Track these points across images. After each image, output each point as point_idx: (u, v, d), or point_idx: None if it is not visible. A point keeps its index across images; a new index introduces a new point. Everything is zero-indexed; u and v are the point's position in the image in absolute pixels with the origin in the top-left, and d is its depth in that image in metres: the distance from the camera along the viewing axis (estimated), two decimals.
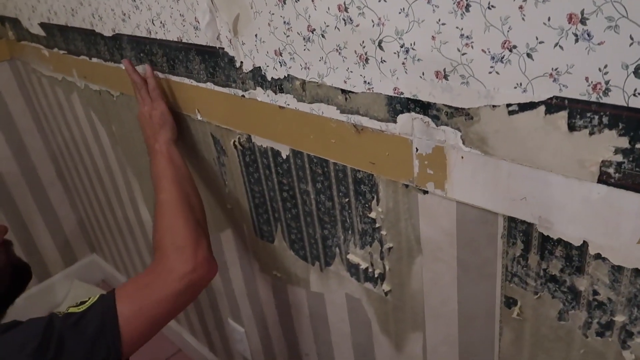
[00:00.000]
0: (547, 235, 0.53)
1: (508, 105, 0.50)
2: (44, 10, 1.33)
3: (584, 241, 0.51)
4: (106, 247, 2.00)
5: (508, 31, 0.47)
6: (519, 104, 0.49)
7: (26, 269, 0.94)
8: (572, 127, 0.46)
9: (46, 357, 0.67)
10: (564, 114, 0.46)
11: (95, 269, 2.17)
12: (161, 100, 0.98)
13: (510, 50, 0.47)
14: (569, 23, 0.43)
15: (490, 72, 0.50)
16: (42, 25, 1.39)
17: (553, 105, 0.47)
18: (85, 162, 1.69)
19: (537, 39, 0.45)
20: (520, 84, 0.48)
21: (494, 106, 0.51)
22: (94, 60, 1.22)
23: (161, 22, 0.91)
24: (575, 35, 0.43)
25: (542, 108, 0.48)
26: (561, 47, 0.44)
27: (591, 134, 0.46)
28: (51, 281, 2.08)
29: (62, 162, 1.93)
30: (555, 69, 0.45)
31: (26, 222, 1.95)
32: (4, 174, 1.84)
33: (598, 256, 0.50)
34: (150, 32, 0.95)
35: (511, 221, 0.56)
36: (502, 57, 0.48)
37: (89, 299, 0.74)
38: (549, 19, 0.44)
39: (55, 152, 1.93)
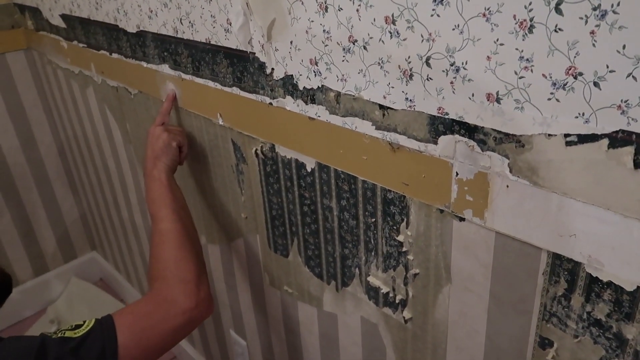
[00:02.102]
0: (596, 277, 0.50)
1: (566, 135, 0.47)
2: (67, 2, 1.30)
3: (638, 286, 0.47)
4: (107, 246, 1.97)
5: (575, 57, 0.44)
6: (578, 135, 0.46)
7: (6, 281, 0.88)
8: (638, 164, 0.43)
9: None
10: (630, 150, 0.43)
11: (94, 266, 2.14)
12: (176, 130, 1.00)
13: (575, 77, 0.44)
14: None
15: (549, 99, 0.47)
16: (63, 16, 1.36)
17: (618, 139, 0.44)
18: (94, 159, 1.66)
19: (607, 67, 0.42)
20: (583, 114, 0.45)
21: (549, 135, 0.48)
22: (115, 55, 1.19)
23: (190, 22, 0.88)
24: None
25: (605, 141, 0.44)
26: (634, 78, 0.41)
27: None
28: (48, 276, 2.04)
29: (70, 157, 1.90)
30: (625, 101, 0.42)
31: (29, 214, 1.92)
32: (10, 165, 1.81)
33: None
34: (177, 31, 0.93)
35: (556, 258, 0.53)
36: (565, 84, 0.45)
37: (84, 323, 0.70)
38: (623, 47, 0.41)
39: (64, 145, 1.90)
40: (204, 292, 0.78)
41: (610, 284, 0.49)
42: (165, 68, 1.01)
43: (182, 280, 0.77)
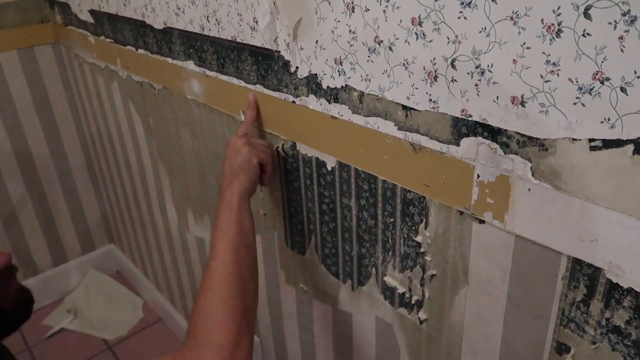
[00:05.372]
0: (616, 283, 0.50)
1: (590, 140, 0.47)
2: None
3: None
4: (125, 239, 2.00)
5: (602, 62, 0.44)
6: (603, 140, 0.46)
7: (27, 295, 0.90)
8: None
9: None
10: None
11: (112, 259, 2.17)
12: (259, 145, 0.86)
13: (602, 83, 0.44)
14: None
15: (575, 103, 0.47)
16: (92, 12, 1.39)
17: None
18: (116, 153, 1.69)
19: (635, 73, 0.42)
20: (608, 119, 0.45)
21: (574, 139, 0.48)
22: (141, 51, 1.21)
23: (217, 20, 0.89)
24: None
25: (631, 147, 0.44)
26: None
27: None
28: (67, 266, 2.08)
29: (92, 150, 1.94)
30: None
31: (50, 205, 1.96)
32: (34, 155, 1.85)
33: None
34: (203, 28, 0.94)
35: (576, 263, 0.53)
36: (591, 89, 0.45)
37: None
38: None
39: (87, 139, 1.94)
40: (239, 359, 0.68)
41: (630, 290, 0.49)
42: (190, 64, 1.03)
43: (214, 345, 0.67)
